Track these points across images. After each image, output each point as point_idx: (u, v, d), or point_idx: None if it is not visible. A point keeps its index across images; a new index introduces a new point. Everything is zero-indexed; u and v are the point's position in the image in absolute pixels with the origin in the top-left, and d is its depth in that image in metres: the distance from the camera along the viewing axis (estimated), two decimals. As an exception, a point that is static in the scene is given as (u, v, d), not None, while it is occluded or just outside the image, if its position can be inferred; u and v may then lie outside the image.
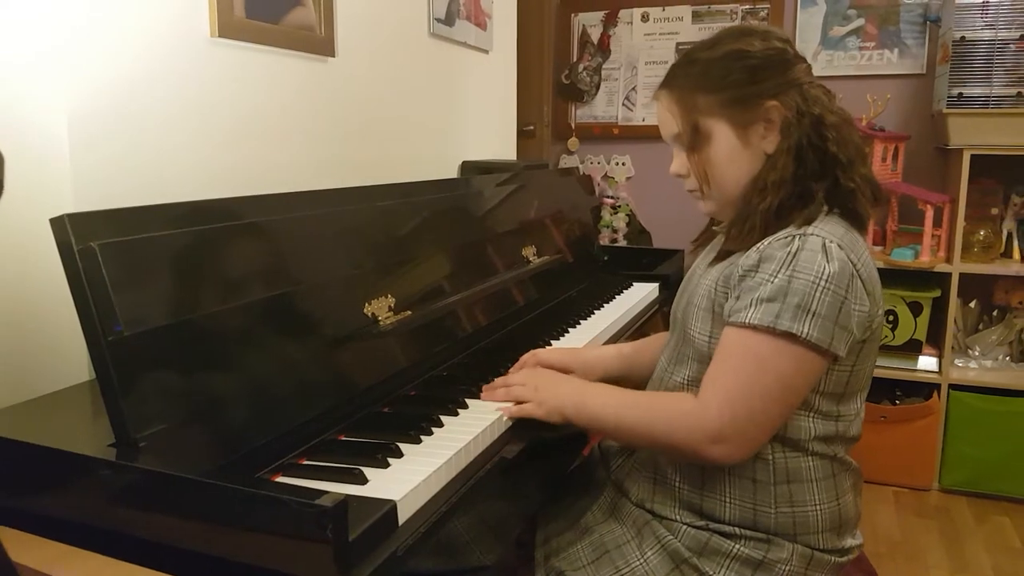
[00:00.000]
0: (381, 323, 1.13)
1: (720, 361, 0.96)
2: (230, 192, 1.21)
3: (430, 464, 0.87)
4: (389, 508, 0.76)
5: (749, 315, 0.93)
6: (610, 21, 3.27)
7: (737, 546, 0.99)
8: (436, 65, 2.03)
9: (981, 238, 2.60)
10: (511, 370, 1.19)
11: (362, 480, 0.83)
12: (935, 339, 2.64)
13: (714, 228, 1.14)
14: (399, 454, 0.90)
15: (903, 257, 2.55)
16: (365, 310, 1.12)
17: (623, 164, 3.34)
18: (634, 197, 3.32)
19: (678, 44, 3.17)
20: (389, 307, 1.16)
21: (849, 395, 1.01)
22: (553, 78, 3.34)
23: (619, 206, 3.29)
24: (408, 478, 0.84)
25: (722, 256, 1.03)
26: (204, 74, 1.28)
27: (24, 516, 0.83)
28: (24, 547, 0.79)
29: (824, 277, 0.91)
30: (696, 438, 0.94)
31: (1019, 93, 2.41)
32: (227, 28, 1.29)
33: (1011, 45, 2.41)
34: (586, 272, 1.97)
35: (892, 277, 2.57)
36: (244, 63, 1.36)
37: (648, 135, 3.19)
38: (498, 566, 1.16)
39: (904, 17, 2.85)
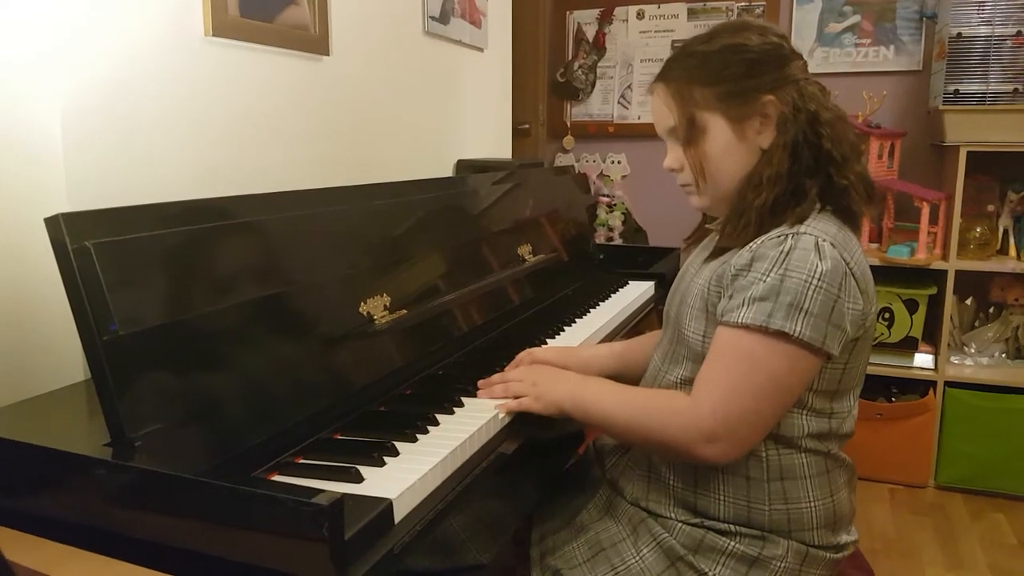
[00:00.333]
0: (376, 322, 1.13)
1: (713, 360, 0.96)
2: (225, 191, 1.21)
3: (426, 462, 0.87)
4: (385, 506, 0.76)
5: (742, 314, 0.93)
6: (605, 19, 3.27)
7: (732, 543, 1.00)
8: (431, 63, 2.03)
9: (977, 235, 2.60)
10: (507, 368, 1.19)
11: (358, 479, 0.83)
12: (931, 336, 2.64)
13: (707, 226, 1.14)
14: (395, 452, 0.90)
15: (899, 254, 2.55)
16: (360, 309, 1.11)
17: (619, 162, 3.34)
18: (629, 195, 3.32)
19: (673, 41, 3.17)
20: (384, 306, 1.16)
21: (842, 392, 1.01)
22: (548, 76, 3.34)
23: (615, 204, 3.29)
24: (404, 476, 0.84)
25: (716, 253, 1.03)
26: (198, 73, 1.28)
27: (20, 516, 0.83)
28: (20, 547, 0.79)
29: (817, 276, 0.91)
30: (689, 437, 0.94)
31: (1015, 89, 2.41)
32: (221, 27, 1.29)
33: (1007, 41, 2.40)
34: (582, 270, 1.97)
35: (888, 274, 2.57)
36: (238, 62, 1.36)
37: (644, 133, 3.19)
38: (494, 564, 1.16)
39: (900, 13, 2.85)
